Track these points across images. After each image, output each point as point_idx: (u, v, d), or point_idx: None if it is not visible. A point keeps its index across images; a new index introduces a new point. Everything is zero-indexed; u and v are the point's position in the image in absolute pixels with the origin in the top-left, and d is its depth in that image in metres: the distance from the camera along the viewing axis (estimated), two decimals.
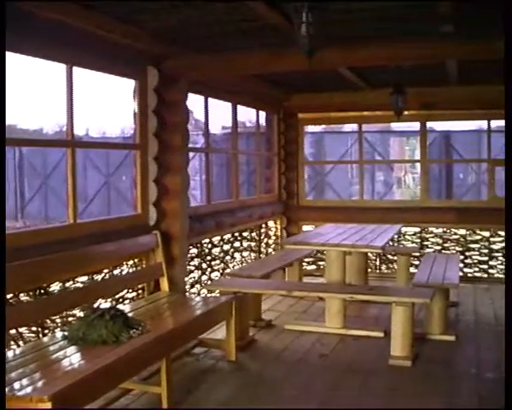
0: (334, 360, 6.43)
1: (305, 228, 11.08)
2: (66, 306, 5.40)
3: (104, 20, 5.43)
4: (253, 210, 9.69)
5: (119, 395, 5.13)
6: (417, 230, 10.95)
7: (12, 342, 4.87)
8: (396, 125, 20.92)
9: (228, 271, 8.81)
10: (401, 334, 6.28)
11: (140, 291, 6.65)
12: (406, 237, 10.99)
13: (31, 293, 5.07)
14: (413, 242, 10.95)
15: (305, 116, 11.33)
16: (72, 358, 4.39)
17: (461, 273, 9.68)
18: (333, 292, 7.26)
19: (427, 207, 10.80)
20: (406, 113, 9.80)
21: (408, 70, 8.06)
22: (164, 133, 6.89)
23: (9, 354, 4.43)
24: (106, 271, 6.10)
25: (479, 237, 10.67)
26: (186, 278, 7.51)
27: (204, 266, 8.36)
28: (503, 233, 10.51)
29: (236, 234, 9.37)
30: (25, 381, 3.85)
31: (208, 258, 8.50)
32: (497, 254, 10.58)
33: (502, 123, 20.82)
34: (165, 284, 6.63)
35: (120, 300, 6.31)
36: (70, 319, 5.50)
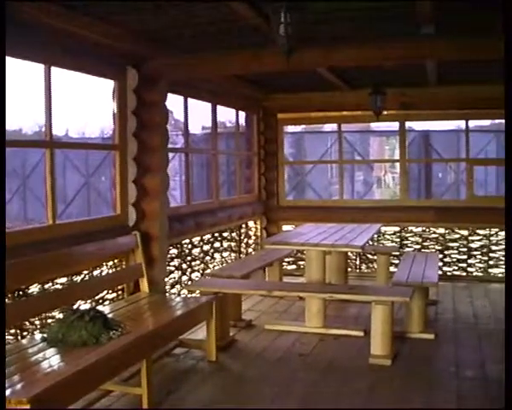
0: (315, 360, 6.45)
1: (285, 228, 11.10)
2: (45, 307, 5.38)
3: (84, 21, 5.41)
4: (233, 210, 9.70)
5: (99, 396, 5.12)
6: (397, 229, 11.01)
7: None
8: (376, 125, 21.02)
9: (208, 271, 8.81)
10: (381, 333, 6.31)
11: (120, 292, 6.63)
12: (386, 236, 11.04)
13: (9, 295, 5.04)
14: (393, 241, 11.00)
15: (284, 116, 11.34)
16: (51, 360, 4.36)
17: (440, 272, 9.76)
18: (312, 292, 7.27)
19: (407, 207, 10.86)
20: (385, 113, 9.88)
21: (387, 70, 8.10)
22: (143, 134, 6.87)
23: None
24: (85, 272, 6.08)
25: (457, 236, 10.74)
26: (166, 279, 7.50)
27: (184, 266, 8.35)
28: (481, 232, 10.62)
29: (216, 234, 9.36)
30: None
31: (188, 258, 8.49)
32: (475, 253, 10.66)
33: (480, 123, 21.02)
34: (145, 284, 6.62)
35: (100, 301, 6.29)
36: (49, 320, 5.47)
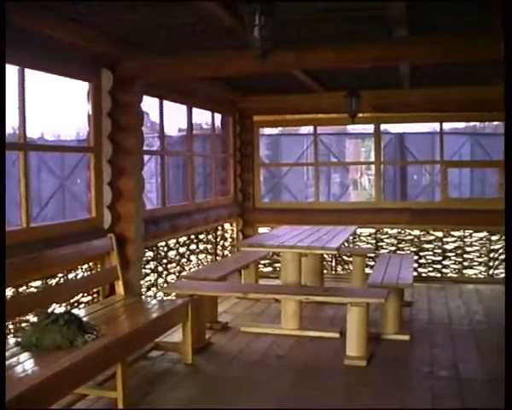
0: (291, 361, 6.46)
1: (261, 230, 11.10)
2: (19, 311, 5.33)
3: (58, 22, 5.38)
4: (209, 212, 9.68)
5: (74, 400, 5.08)
6: (372, 231, 11.06)
7: None
8: (352, 128, 21.10)
9: (184, 273, 8.78)
10: (356, 334, 6.33)
11: (95, 295, 6.60)
12: (361, 238, 11.09)
13: None
14: (368, 243, 11.06)
15: (260, 118, 11.36)
16: (25, 364, 4.34)
17: (415, 273, 9.84)
18: (288, 294, 7.29)
19: (382, 209, 10.93)
20: (360, 115, 9.92)
21: (362, 73, 8.14)
22: (118, 136, 6.85)
23: None
24: (60, 275, 6.04)
25: (432, 238, 10.83)
26: (142, 282, 7.48)
27: (160, 269, 8.33)
28: (455, 233, 10.72)
29: (192, 237, 9.35)
30: None
31: (164, 261, 8.46)
32: (450, 254, 10.75)
33: (455, 125, 21.16)
34: (120, 287, 6.59)
35: (75, 304, 6.25)
36: (23, 324, 5.43)
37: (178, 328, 6.43)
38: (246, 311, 8.56)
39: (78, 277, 6.35)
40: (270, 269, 11.32)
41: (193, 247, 9.42)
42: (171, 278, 8.62)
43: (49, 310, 5.62)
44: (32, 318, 5.45)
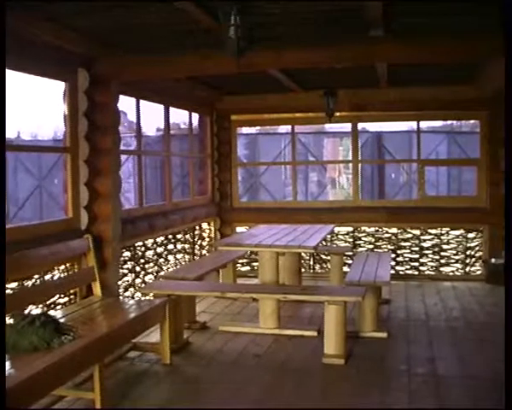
0: (269, 360, 6.47)
1: (239, 229, 11.11)
2: None
3: (34, 22, 5.35)
4: (187, 212, 9.67)
5: (52, 401, 5.08)
6: (350, 229, 11.10)
7: None
8: (329, 127, 21.15)
9: (162, 273, 8.77)
10: (334, 332, 6.35)
11: (72, 296, 6.57)
12: (339, 236, 11.12)
13: None
14: (346, 241, 11.10)
15: (237, 118, 11.35)
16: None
17: (393, 271, 9.90)
18: (266, 293, 7.29)
19: (360, 207, 10.98)
20: (338, 114, 9.96)
21: (339, 72, 8.16)
22: (95, 136, 6.82)
23: None
24: (37, 276, 6.01)
25: (410, 236, 10.90)
26: (119, 282, 7.45)
27: (137, 269, 8.30)
28: (432, 231, 10.79)
29: (170, 236, 9.33)
30: None
31: (142, 261, 8.44)
32: (427, 252, 10.83)
33: (432, 124, 21.33)
34: (97, 288, 6.57)
35: (52, 305, 6.22)
36: None
37: (156, 328, 6.41)
38: (224, 310, 8.56)
39: (55, 278, 6.32)
40: (248, 268, 11.33)
41: (170, 247, 9.40)
42: (148, 278, 8.60)
43: (26, 312, 5.60)
44: (9, 319, 5.41)
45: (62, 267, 6.43)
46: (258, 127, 21.04)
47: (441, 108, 10.44)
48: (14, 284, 5.66)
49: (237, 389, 5.65)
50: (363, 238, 11.07)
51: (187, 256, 10.00)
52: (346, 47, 6.36)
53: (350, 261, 10.26)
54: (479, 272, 10.60)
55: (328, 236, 10.58)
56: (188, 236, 10.06)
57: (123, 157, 7.45)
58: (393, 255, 10.68)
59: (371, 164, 21.87)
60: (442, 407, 5.20)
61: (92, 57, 6.68)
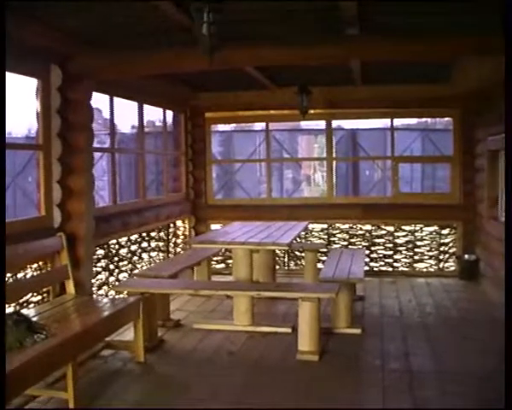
0: (243, 358, 6.48)
1: (214, 227, 11.10)
2: None
3: (7, 17, 5.29)
4: (161, 210, 9.64)
5: (25, 401, 5.06)
6: (325, 226, 11.14)
7: None
8: (305, 124, 21.22)
9: (136, 271, 8.74)
10: (308, 329, 6.38)
11: (45, 295, 6.52)
12: (314, 233, 11.16)
13: None
14: (320, 238, 11.13)
15: (212, 115, 11.35)
16: None
17: (367, 268, 9.96)
18: (240, 290, 7.30)
19: (335, 204, 11.02)
20: (312, 111, 9.98)
21: (314, 70, 8.18)
22: (68, 134, 6.76)
23: None
24: (9, 275, 5.95)
25: (384, 232, 10.95)
26: (93, 280, 7.40)
27: (111, 267, 8.27)
28: (406, 228, 10.86)
29: (144, 234, 9.29)
30: None
31: (116, 259, 8.41)
32: (401, 248, 10.89)
33: (407, 121, 21.45)
34: (70, 286, 6.52)
35: (25, 304, 6.17)
36: None
37: (130, 326, 6.39)
38: (198, 308, 8.55)
39: (28, 276, 6.27)
40: (222, 266, 11.33)
41: (144, 244, 9.36)
42: (122, 276, 8.56)
43: None
44: None
45: (35, 266, 6.37)
46: (233, 125, 21.03)
47: (415, 105, 10.50)
48: None
49: (212, 387, 5.64)
50: (337, 235, 11.11)
51: (161, 254, 9.98)
52: (321, 45, 6.36)
53: (324, 258, 10.28)
54: (452, 268, 10.68)
55: (303, 233, 10.61)
56: (162, 233, 10.03)
57: (97, 155, 7.42)
58: (367, 252, 10.73)
59: (346, 161, 21.96)
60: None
61: (66, 54, 6.62)
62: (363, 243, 10.96)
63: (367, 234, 11.00)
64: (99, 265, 7.89)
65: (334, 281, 7.14)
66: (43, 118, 6.57)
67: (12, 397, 4.35)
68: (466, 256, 10.27)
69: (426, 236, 10.84)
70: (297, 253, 11.07)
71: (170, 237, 10.39)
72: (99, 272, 7.90)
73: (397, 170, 11.07)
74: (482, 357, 6.29)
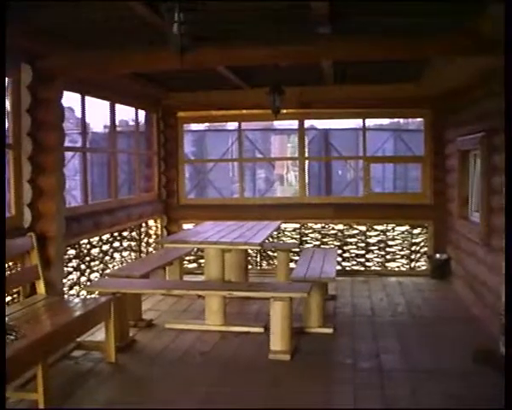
0: (215, 357, 6.48)
1: (186, 226, 11.08)
2: None
3: None
4: (133, 209, 9.61)
5: None
6: (297, 226, 11.16)
7: None
8: (278, 124, 21.23)
9: (108, 271, 8.69)
10: (280, 328, 6.39)
11: (15, 295, 6.46)
12: (286, 233, 11.17)
13: None
14: (293, 238, 11.15)
15: (184, 115, 11.33)
16: None
17: (339, 267, 9.99)
18: (211, 289, 7.29)
19: (307, 204, 11.06)
20: (285, 111, 9.98)
21: (286, 69, 8.18)
22: (38, 133, 6.71)
23: None
24: None
25: (356, 232, 11.00)
26: (64, 280, 7.36)
27: (83, 267, 8.21)
28: (378, 227, 10.92)
29: (116, 234, 9.25)
30: None
31: (87, 259, 8.35)
32: (373, 248, 10.94)
33: (379, 121, 21.56)
34: (41, 286, 6.47)
35: None
36: None
37: (101, 327, 6.35)
38: (170, 308, 8.52)
39: None
40: (194, 265, 11.31)
41: (116, 244, 9.32)
42: (94, 276, 8.51)
43: None
44: None
45: (5, 266, 6.32)
46: (206, 124, 21.01)
47: (386, 105, 10.57)
48: None
49: (183, 386, 5.64)
50: (309, 235, 11.13)
51: (133, 254, 9.93)
52: (292, 44, 6.38)
53: (297, 258, 10.30)
54: (424, 268, 10.76)
55: (275, 232, 10.63)
56: (134, 233, 9.99)
57: (69, 154, 7.37)
58: (340, 251, 10.79)
59: (318, 161, 22.01)
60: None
61: (36, 53, 6.57)
62: (336, 243, 10.99)
63: (339, 234, 11.03)
64: (70, 265, 7.84)
65: (306, 281, 7.16)
66: (13, 117, 6.51)
67: None
68: (437, 255, 10.35)
69: (398, 235, 10.90)
70: (269, 252, 11.08)
71: (142, 236, 10.35)
72: (70, 272, 7.84)
73: (369, 170, 11.13)
74: (454, 355, 6.35)
